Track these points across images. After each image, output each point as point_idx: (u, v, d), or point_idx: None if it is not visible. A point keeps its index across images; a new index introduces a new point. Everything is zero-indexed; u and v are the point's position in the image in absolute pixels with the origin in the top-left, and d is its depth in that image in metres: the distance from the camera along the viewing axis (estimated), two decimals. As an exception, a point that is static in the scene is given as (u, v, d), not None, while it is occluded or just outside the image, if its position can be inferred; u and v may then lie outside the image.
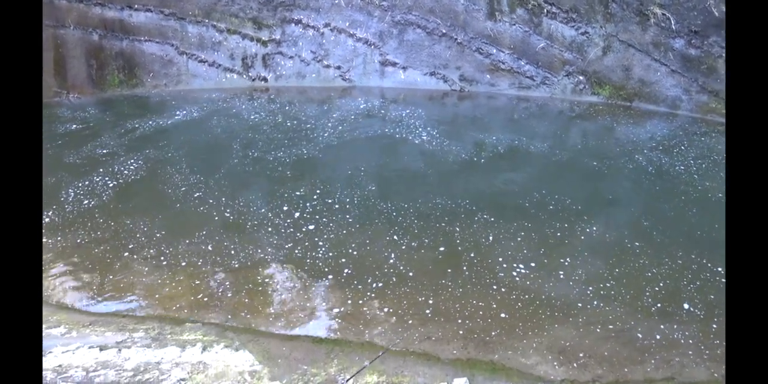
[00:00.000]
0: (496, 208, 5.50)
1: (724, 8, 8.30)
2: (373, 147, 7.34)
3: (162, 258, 4.68)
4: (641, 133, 8.06)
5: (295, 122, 8.26)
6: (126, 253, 4.73)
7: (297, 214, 5.37)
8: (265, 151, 7.07)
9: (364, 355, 3.47)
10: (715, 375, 3.25)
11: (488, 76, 10.10)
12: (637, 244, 4.86)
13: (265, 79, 10.45)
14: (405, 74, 10.34)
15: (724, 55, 8.46)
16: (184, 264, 4.60)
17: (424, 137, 7.60)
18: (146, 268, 4.53)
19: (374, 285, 4.27)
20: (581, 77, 9.68)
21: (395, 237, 4.92)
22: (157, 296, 4.20)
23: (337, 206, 5.53)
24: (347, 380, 3.19)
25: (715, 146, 7.44)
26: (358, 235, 4.97)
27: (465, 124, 8.41)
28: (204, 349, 3.61)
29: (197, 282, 4.37)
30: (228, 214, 5.42)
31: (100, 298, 4.19)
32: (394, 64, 10.33)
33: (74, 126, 7.97)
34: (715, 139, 7.79)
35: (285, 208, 5.51)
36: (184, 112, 8.69)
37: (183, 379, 3.30)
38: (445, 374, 3.21)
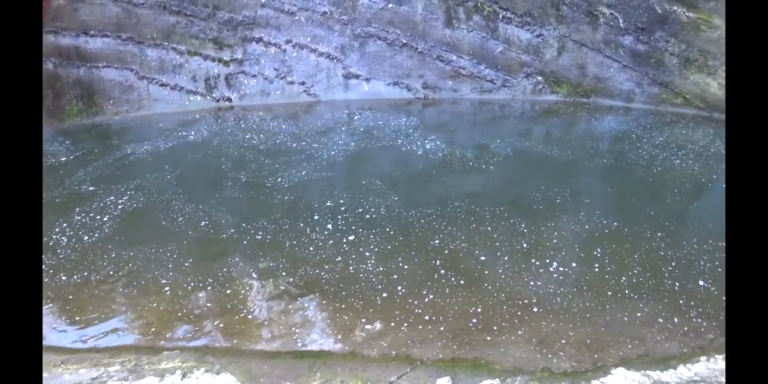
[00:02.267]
0: (478, 204, 5.62)
1: (666, 5, 8.73)
2: (373, 158, 7.32)
3: (144, 288, 4.55)
4: (615, 125, 8.36)
5: (282, 142, 8.14)
6: (102, 286, 4.59)
7: (331, 228, 5.33)
8: (264, 175, 6.81)
9: (347, 366, 3.44)
10: (685, 350, 3.35)
11: (450, 82, 10.31)
12: (605, 231, 5.00)
13: (229, 99, 10.41)
14: (369, 85, 10.46)
15: (669, 48, 8.87)
16: (168, 291, 4.50)
17: (428, 146, 7.66)
18: (122, 300, 4.40)
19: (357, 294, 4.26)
20: (539, 78, 9.98)
21: (436, 242, 4.98)
22: (133, 327, 4.09)
23: (367, 216, 5.54)
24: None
25: (688, 135, 7.77)
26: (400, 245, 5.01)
27: (445, 130, 8.50)
28: (184, 375, 3.52)
29: (186, 308, 4.27)
30: (207, 233, 5.35)
31: (72, 336, 4.04)
32: (357, 77, 10.45)
33: (52, 160, 7.65)
34: (684, 128, 8.12)
35: (316, 221, 5.46)
36: (157, 140, 8.48)
37: (162, 408, 3.21)
38: (428, 375, 3.21)
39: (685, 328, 3.59)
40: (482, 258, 4.66)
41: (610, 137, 7.86)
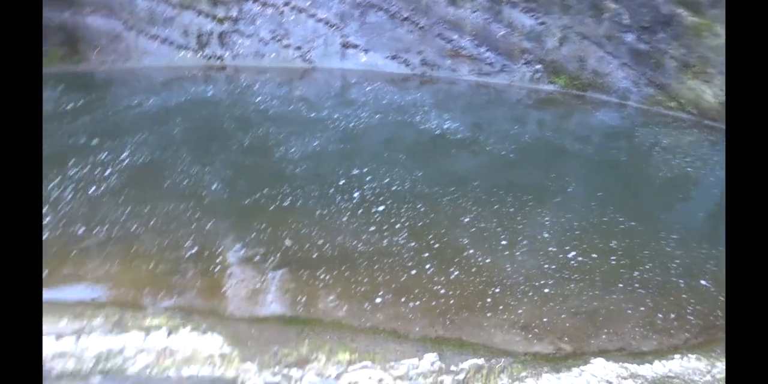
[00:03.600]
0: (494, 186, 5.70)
1: (671, 7, 8.75)
2: (393, 133, 7.25)
3: (137, 248, 4.51)
4: (621, 123, 8.43)
5: (296, 108, 7.94)
6: (92, 242, 4.52)
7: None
8: (271, 145, 6.62)
9: (336, 335, 3.51)
10: (659, 347, 3.53)
11: (449, 61, 10.20)
12: (602, 226, 5.08)
13: (221, 58, 10.07)
14: (366, 57, 10.26)
15: (669, 51, 8.95)
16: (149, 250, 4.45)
17: (445, 125, 7.63)
18: (112, 258, 4.36)
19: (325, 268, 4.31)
20: (539, 66, 9.97)
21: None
22: (119, 283, 4.06)
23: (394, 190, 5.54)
24: None
25: (689, 139, 7.92)
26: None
27: (454, 110, 8.44)
28: (169, 333, 3.53)
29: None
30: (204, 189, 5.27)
31: (52, 287, 3.97)
32: (355, 47, 10.22)
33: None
34: (689, 134, 8.20)
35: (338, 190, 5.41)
36: (157, 94, 8.19)
37: (149, 365, 3.22)
38: (416, 350, 3.32)
39: (664, 326, 3.75)
40: (480, 242, 4.74)
41: (621, 134, 7.90)
